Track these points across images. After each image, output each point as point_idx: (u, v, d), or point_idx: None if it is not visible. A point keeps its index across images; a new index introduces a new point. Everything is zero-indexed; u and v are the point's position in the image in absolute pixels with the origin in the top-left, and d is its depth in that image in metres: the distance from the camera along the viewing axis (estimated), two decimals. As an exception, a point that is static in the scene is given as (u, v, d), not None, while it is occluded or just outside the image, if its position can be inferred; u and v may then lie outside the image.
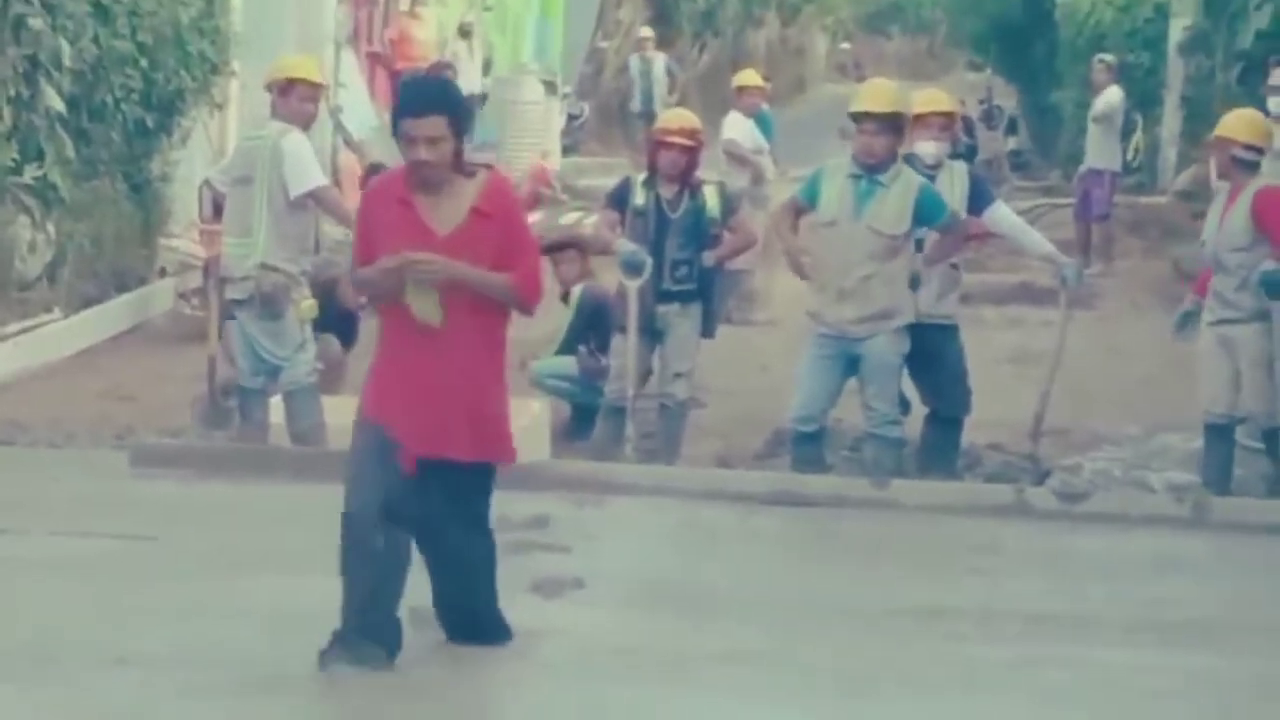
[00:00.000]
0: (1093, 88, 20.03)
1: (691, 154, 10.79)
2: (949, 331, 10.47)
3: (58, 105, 13.35)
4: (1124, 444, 11.27)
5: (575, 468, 10.17)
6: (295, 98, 10.32)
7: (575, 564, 8.21)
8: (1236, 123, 10.25)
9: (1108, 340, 14.80)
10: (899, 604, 7.93)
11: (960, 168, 10.71)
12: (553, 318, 11.75)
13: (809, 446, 10.08)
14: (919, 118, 10.35)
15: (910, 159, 10.22)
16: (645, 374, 10.90)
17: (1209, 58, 21.83)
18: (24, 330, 13.08)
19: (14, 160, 13.07)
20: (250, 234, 10.22)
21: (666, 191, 10.77)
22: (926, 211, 9.88)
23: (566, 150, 25.53)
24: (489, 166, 7.02)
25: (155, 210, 15.50)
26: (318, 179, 10.32)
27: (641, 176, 10.98)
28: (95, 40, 13.94)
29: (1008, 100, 34.40)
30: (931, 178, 10.16)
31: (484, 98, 24.14)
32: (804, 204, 10.12)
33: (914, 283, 10.04)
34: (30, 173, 13.24)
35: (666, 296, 10.72)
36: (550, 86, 24.29)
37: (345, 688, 6.47)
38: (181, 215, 15.84)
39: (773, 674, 6.93)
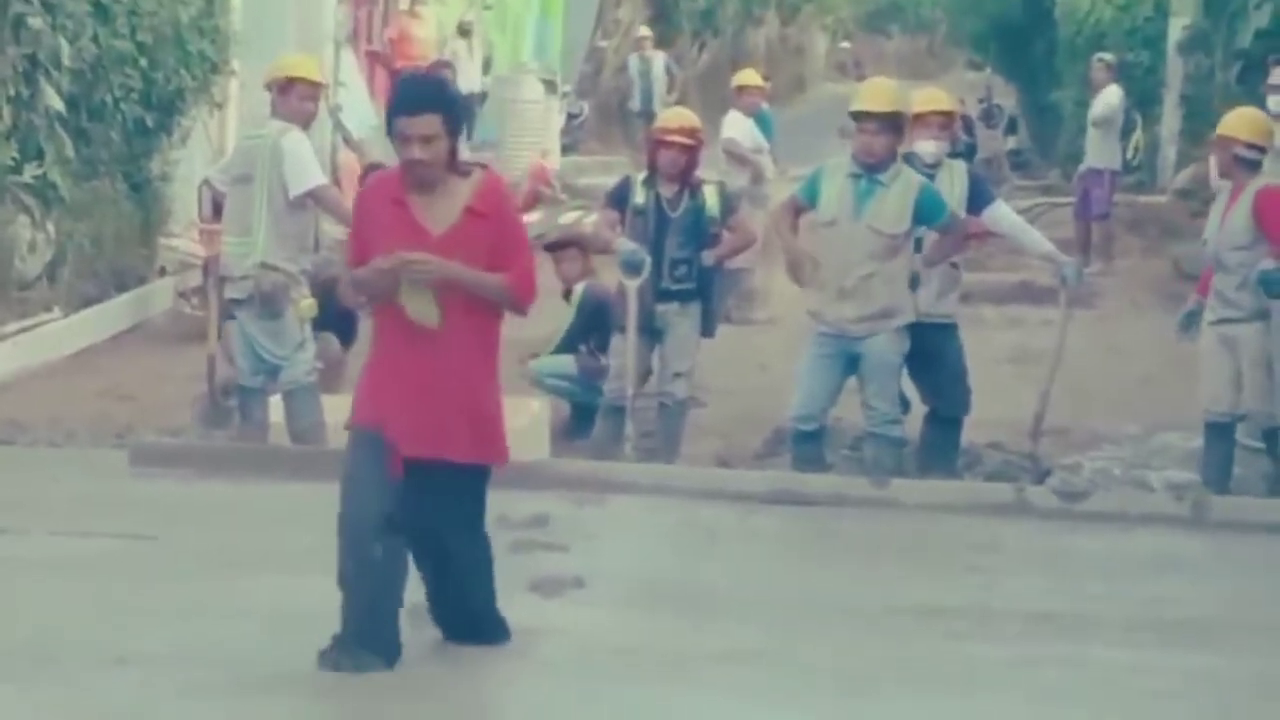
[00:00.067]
0: (1092, 87, 20.04)
1: (691, 153, 10.79)
2: (949, 331, 10.47)
3: (57, 104, 13.35)
4: (1124, 443, 11.28)
5: (575, 467, 10.16)
6: (295, 97, 10.32)
7: (575, 563, 8.21)
8: (1238, 121, 10.24)
9: (1107, 339, 14.80)
10: (899, 603, 7.93)
11: (960, 167, 10.71)
12: (553, 317, 11.76)
13: (809, 445, 10.08)
14: (918, 117, 10.35)
15: (910, 158, 10.22)
16: (645, 373, 10.90)
17: (1208, 56, 21.83)
18: (24, 329, 13.08)
19: (14, 159, 13.07)
20: (250, 233, 10.22)
21: (666, 190, 10.77)
22: (926, 211, 9.88)
23: (566, 149, 25.52)
24: (483, 166, 7.01)
25: (155, 209, 15.50)
26: (317, 178, 10.32)
27: (641, 175, 10.98)
28: (95, 39, 13.94)
29: (1007, 99, 34.41)
30: (931, 177, 10.16)
31: (483, 97, 24.15)
32: (804, 203, 10.11)
33: (913, 282, 10.04)
34: (30, 172, 13.24)
35: (666, 295, 10.72)
36: (550, 85, 24.28)
37: (345, 688, 6.47)
38: (181, 214, 15.84)
39: (772, 673, 6.94)
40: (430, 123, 6.56)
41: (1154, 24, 23.88)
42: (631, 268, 10.61)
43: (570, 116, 26.77)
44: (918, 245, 10.08)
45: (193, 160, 16.04)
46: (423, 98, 6.67)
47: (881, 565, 8.73)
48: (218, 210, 10.75)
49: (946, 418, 10.55)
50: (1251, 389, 9.95)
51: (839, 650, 7.28)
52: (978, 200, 10.45)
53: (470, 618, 6.94)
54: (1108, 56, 20.37)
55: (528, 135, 23.35)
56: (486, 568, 6.92)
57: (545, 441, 10.70)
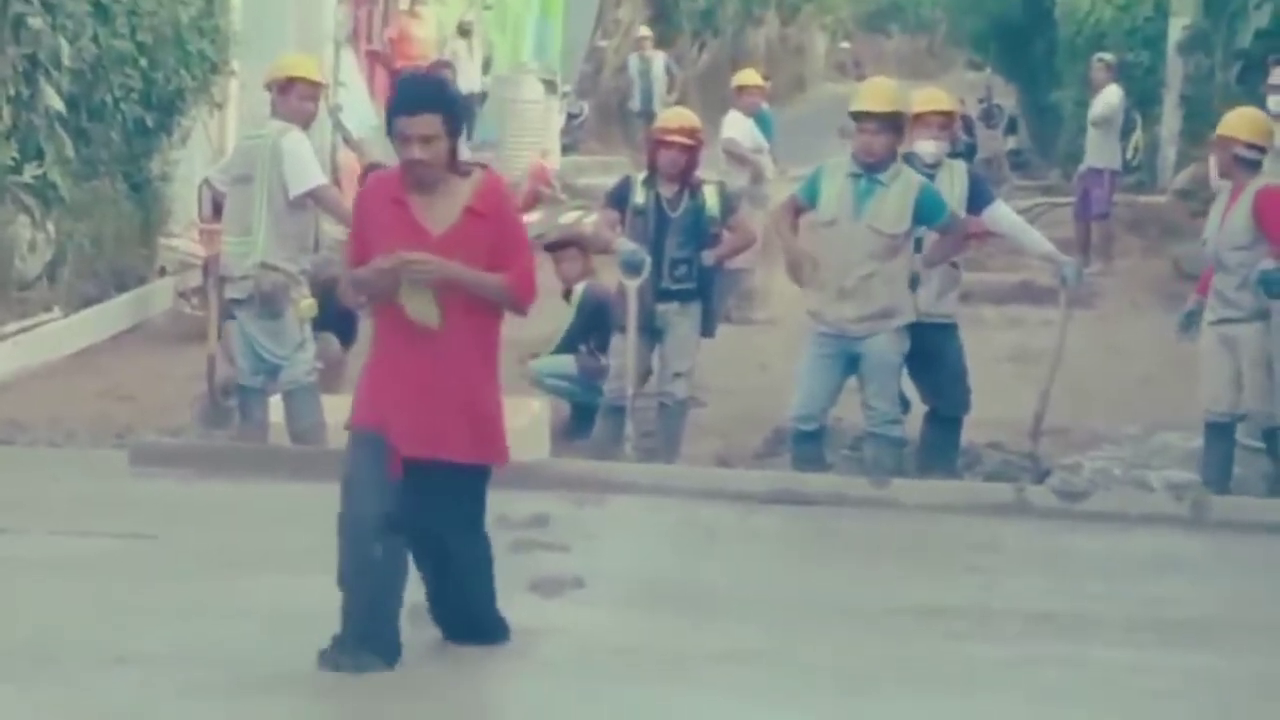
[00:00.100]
0: (1092, 86, 20.04)
1: (691, 153, 10.79)
2: (949, 330, 10.47)
3: (57, 104, 13.35)
4: (1123, 443, 11.28)
5: (575, 467, 10.16)
6: (295, 96, 10.32)
7: (575, 563, 8.21)
8: (1238, 121, 10.24)
9: (1107, 339, 14.80)
10: (899, 603, 7.93)
11: (959, 167, 10.71)
12: (553, 317, 11.76)
13: (809, 445, 10.08)
14: (918, 117, 10.35)
15: (910, 158, 10.22)
16: (645, 373, 10.90)
17: (1208, 56, 21.82)
18: (23, 329, 13.08)
19: (14, 159, 13.07)
20: (250, 233, 10.22)
21: (666, 190, 10.77)
22: (927, 211, 9.88)
23: (566, 149, 25.52)
24: (483, 166, 7.01)
25: (155, 209, 15.50)
26: (317, 178, 10.32)
27: (641, 175, 10.98)
28: (95, 39, 13.94)
29: (1007, 99, 34.41)
30: (931, 177, 10.16)
31: (484, 97, 24.15)
32: (804, 203, 10.11)
33: (913, 283, 10.04)
34: (30, 172, 13.24)
35: (666, 295, 10.72)
36: (550, 85, 24.28)
37: (345, 688, 6.47)
38: (181, 214, 15.84)
39: (772, 673, 6.94)
40: (430, 123, 6.56)
41: (1154, 24, 23.89)
42: (631, 268, 10.61)
43: (570, 116, 26.77)
44: (918, 245, 10.08)
45: (193, 160, 16.04)
46: (422, 98, 6.67)
47: (881, 565, 8.73)
48: (218, 210, 10.75)
49: (946, 417, 10.56)
50: (1251, 389, 9.95)
51: (839, 650, 7.28)
52: (978, 200, 10.45)
53: (470, 618, 6.94)
54: (1108, 56, 20.37)
55: (528, 135, 23.35)
56: (486, 568, 6.92)
57: (545, 441, 10.70)
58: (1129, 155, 21.78)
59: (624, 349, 10.73)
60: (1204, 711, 6.81)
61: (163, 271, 15.53)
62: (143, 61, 14.76)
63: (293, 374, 10.27)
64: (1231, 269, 9.95)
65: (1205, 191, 15.84)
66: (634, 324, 10.64)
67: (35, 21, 13.09)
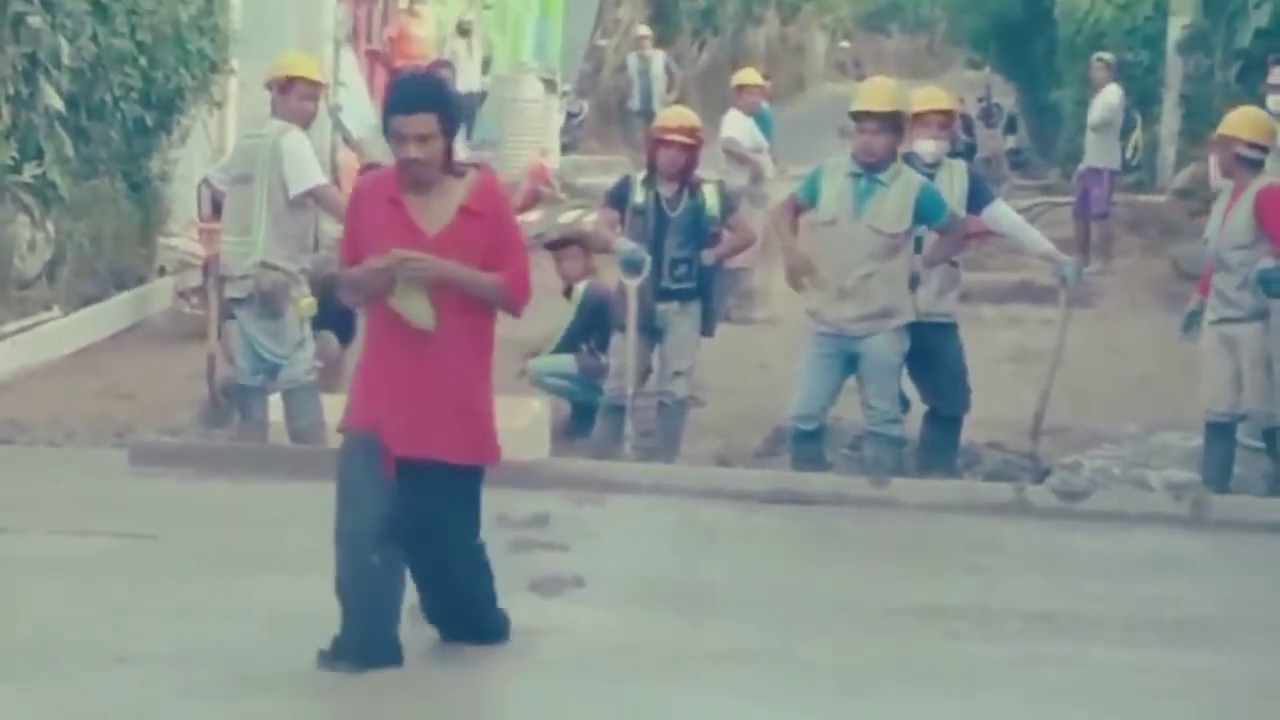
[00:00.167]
0: (1092, 86, 20.04)
1: (691, 152, 10.79)
2: (948, 330, 10.47)
3: (57, 103, 13.35)
4: (1123, 442, 11.27)
5: (575, 466, 10.16)
6: (295, 96, 10.32)
7: (575, 562, 8.21)
8: (1240, 121, 10.23)
9: (1107, 339, 14.80)
10: (898, 602, 7.93)
11: (959, 166, 10.71)
12: (553, 316, 11.77)
13: (808, 445, 10.08)
14: (918, 116, 10.34)
15: (909, 157, 10.21)
16: (645, 372, 10.90)
17: (1208, 56, 21.83)
18: (23, 329, 13.08)
19: (13, 159, 13.07)
20: (250, 232, 10.22)
21: (666, 190, 10.77)
22: (927, 211, 9.88)
23: (566, 148, 25.52)
24: (478, 166, 7.01)
25: (154, 209, 15.50)
26: (317, 177, 10.31)
27: (641, 175, 10.98)
28: (94, 38, 13.93)
29: (1007, 98, 34.38)
30: (930, 176, 10.16)
31: (483, 96, 24.15)
32: (803, 202, 10.11)
33: (913, 282, 10.04)
34: (29, 171, 13.23)
35: (666, 295, 10.72)
36: (549, 84, 24.27)
37: (345, 688, 6.47)
38: (181, 214, 15.84)
39: (772, 672, 6.94)
40: (426, 122, 6.55)
41: (1153, 23, 23.89)
42: (631, 267, 10.61)
43: (570, 115, 26.77)
44: (917, 245, 10.08)
45: (192, 159, 16.03)
46: (419, 97, 6.66)
47: (881, 565, 8.73)
48: (217, 209, 10.75)
49: (946, 417, 10.56)
50: (1252, 389, 9.95)
51: (839, 650, 7.28)
52: (977, 199, 10.45)
53: (471, 619, 6.93)
54: (1107, 56, 20.37)
55: (527, 134, 23.34)
56: (484, 569, 6.90)
57: (545, 441, 10.70)
58: (1128, 155, 21.78)
59: (624, 348, 10.73)
60: (1204, 711, 6.81)
61: (162, 271, 15.52)
62: (142, 60, 14.76)
63: (292, 373, 10.27)
64: (1233, 268, 9.94)
65: (1205, 191, 15.86)
66: (634, 323, 10.64)
67: (35, 20, 13.08)
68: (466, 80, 23.35)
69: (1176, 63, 22.86)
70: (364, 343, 6.91)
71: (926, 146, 10.38)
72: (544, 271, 11.77)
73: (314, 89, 10.49)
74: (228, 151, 13.76)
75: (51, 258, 13.70)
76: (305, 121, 10.38)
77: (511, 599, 7.13)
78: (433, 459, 6.63)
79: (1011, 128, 30.74)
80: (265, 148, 10.22)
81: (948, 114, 10.77)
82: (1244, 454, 10.21)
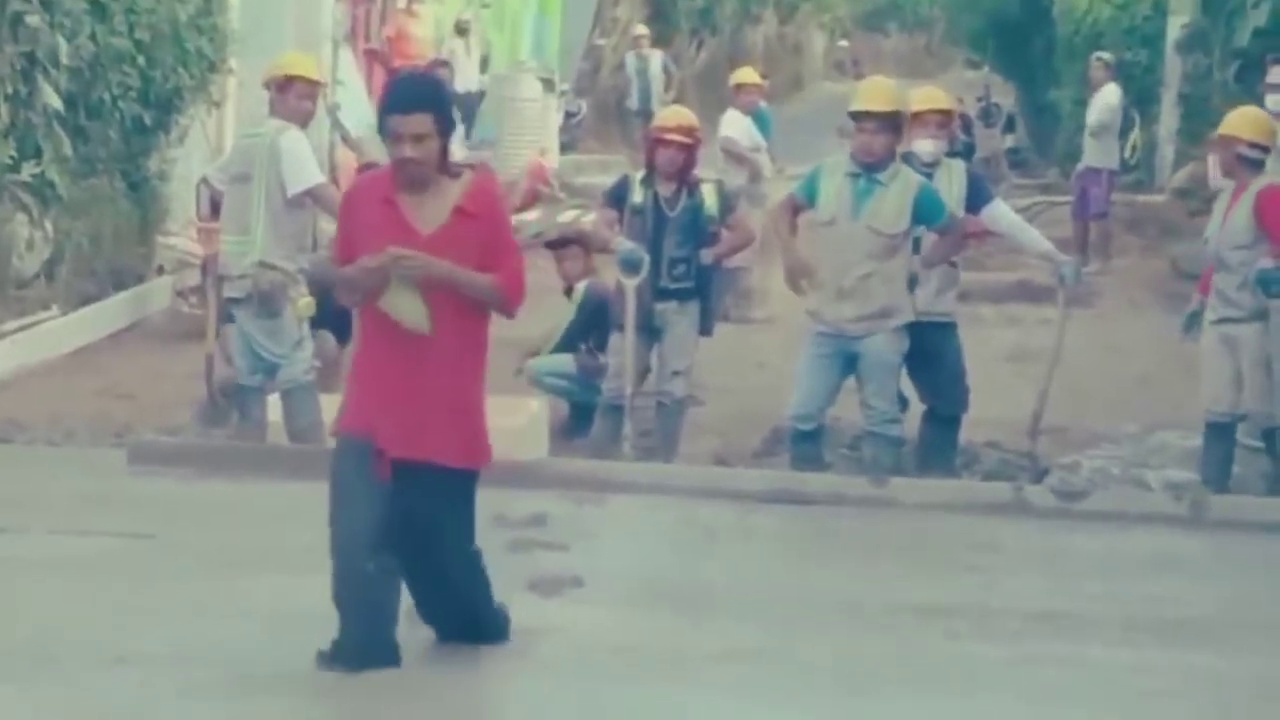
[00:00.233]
0: (1090, 85, 20.05)
1: (689, 152, 10.79)
2: (947, 329, 10.47)
3: (55, 103, 13.34)
4: (1122, 442, 11.27)
5: (573, 466, 10.16)
6: (293, 95, 10.32)
7: (574, 562, 8.21)
8: (1240, 121, 10.23)
9: (1106, 338, 14.80)
10: (898, 602, 7.93)
11: (958, 166, 10.71)
12: (552, 315, 11.77)
13: (807, 444, 10.08)
14: (917, 116, 10.34)
15: (908, 157, 10.21)
16: (643, 372, 10.90)
17: (1207, 55, 21.83)
18: (22, 328, 13.07)
19: (11, 158, 13.06)
20: (248, 232, 10.22)
21: (664, 189, 10.77)
22: (926, 211, 9.88)
23: (564, 148, 25.51)
24: (473, 166, 7.00)
25: (153, 208, 15.49)
26: (315, 177, 10.31)
27: (639, 174, 10.98)
28: (93, 37, 13.93)
29: (1005, 98, 34.37)
30: (929, 176, 10.16)
31: (481, 95, 24.14)
32: (802, 202, 10.11)
33: (911, 282, 10.04)
34: (28, 170, 13.23)
35: (664, 294, 10.72)
36: (548, 84, 24.26)
37: (345, 688, 6.47)
38: (179, 213, 15.83)
39: (771, 672, 6.94)
40: (422, 122, 6.54)
41: (1152, 23, 23.89)
42: (630, 266, 10.61)
43: (568, 115, 26.76)
44: (916, 245, 10.08)
45: (191, 159, 16.03)
46: (415, 97, 6.65)
47: (880, 564, 8.73)
48: (216, 209, 10.75)
49: (945, 416, 10.56)
50: (1251, 389, 9.95)
51: (838, 649, 7.28)
52: (976, 199, 10.45)
53: (470, 619, 6.92)
54: (1106, 55, 20.38)
55: (526, 133, 23.34)
56: (480, 571, 6.87)
57: (544, 441, 10.70)
58: (1127, 154, 21.78)
59: (622, 348, 10.73)
60: (1204, 711, 6.81)
61: (161, 270, 15.51)
62: (141, 60, 14.75)
63: (291, 373, 10.27)
64: (1233, 268, 9.94)
65: (1204, 190, 15.86)
66: (632, 323, 10.64)
67: (33, 19, 13.08)
68: (465, 79, 23.34)
69: (1175, 62, 22.86)
70: (356, 344, 6.90)
71: (925, 146, 10.38)
72: (543, 271, 11.79)
73: (312, 88, 10.48)
74: (226, 151, 13.75)
75: (50, 257, 13.70)
76: (303, 121, 10.38)
77: (510, 599, 7.13)
78: (426, 461, 6.62)
79: (1010, 127, 30.74)
80: (263, 147, 10.21)
81: (946, 114, 10.77)
82: (1244, 454, 10.22)
